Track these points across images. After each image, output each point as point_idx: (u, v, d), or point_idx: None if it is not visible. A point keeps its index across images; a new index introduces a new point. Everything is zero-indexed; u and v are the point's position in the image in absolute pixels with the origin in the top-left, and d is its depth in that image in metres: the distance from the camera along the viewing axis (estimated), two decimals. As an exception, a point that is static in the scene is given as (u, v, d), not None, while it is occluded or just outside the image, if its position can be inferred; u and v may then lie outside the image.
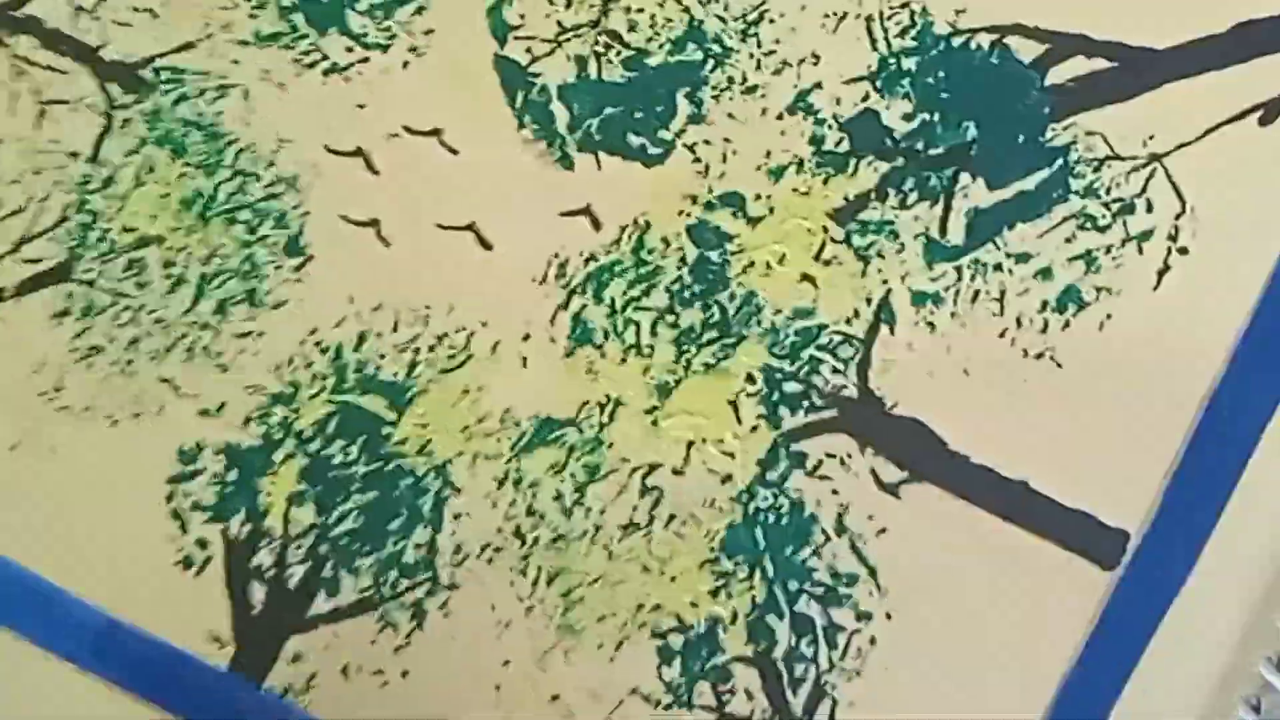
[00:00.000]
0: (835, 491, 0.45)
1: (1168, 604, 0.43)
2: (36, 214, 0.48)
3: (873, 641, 0.45)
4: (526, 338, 0.46)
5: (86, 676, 0.48)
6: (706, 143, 0.45)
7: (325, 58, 0.47)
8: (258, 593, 0.48)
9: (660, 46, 0.46)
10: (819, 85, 0.45)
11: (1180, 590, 0.43)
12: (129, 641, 0.48)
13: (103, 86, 0.48)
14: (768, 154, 0.45)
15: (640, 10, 0.45)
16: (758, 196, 0.45)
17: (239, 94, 0.47)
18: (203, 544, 0.47)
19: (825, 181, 0.45)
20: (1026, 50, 0.45)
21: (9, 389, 0.48)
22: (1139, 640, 0.43)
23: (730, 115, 0.45)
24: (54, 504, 0.48)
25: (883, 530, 0.45)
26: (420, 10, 0.46)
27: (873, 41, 0.45)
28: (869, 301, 0.45)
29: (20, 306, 0.49)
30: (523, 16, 0.46)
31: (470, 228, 0.47)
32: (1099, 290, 0.44)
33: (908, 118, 0.45)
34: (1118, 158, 0.45)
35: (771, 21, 0.45)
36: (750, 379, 0.46)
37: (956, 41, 0.45)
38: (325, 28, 0.47)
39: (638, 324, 0.46)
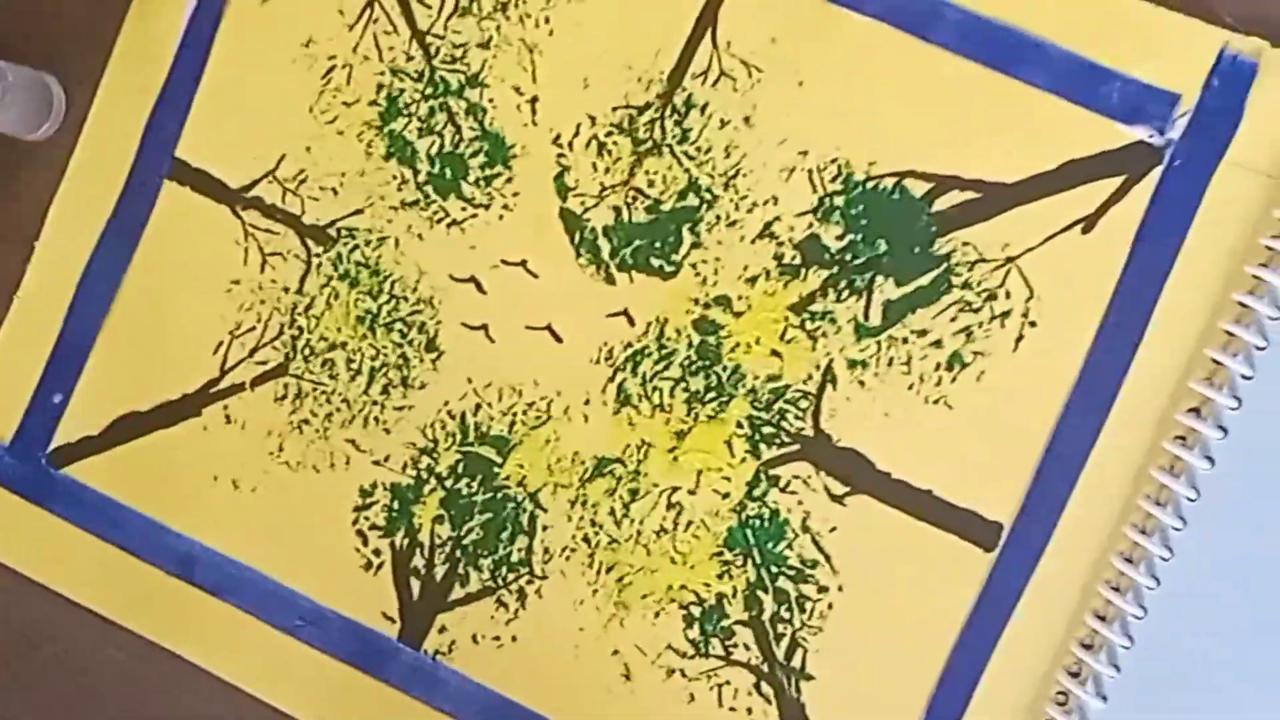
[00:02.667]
0: (800, 502, 0.59)
1: (1030, 574, 0.57)
2: (263, 331, 0.64)
3: (830, 607, 0.59)
4: (587, 402, 0.61)
5: (297, 641, 0.64)
6: (704, 262, 0.60)
7: (448, 215, 0.62)
8: (414, 585, 0.63)
9: (670, 197, 0.61)
10: (778, 218, 0.59)
11: (1039, 563, 0.57)
12: (330, 620, 0.63)
13: (303, 242, 0.64)
14: (745, 267, 0.60)
15: (655, 173, 0.61)
16: (739, 297, 0.60)
17: (392, 243, 0.63)
18: (377, 553, 0.63)
19: (785, 285, 0.59)
20: (918, 188, 0.58)
21: (250, 450, 0.64)
22: (1012, 599, 0.57)
23: (719, 242, 0.60)
24: (280, 528, 0.64)
25: (834, 528, 0.59)
26: (509, 180, 0.62)
27: (813, 186, 0.59)
28: (818, 368, 0.59)
29: (255, 394, 0.65)
30: (577, 181, 0.61)
31: (548, 328, 0.62)
32: (975, 354, 0.58)
33: (839, 238, 0.59)
34: (984, 260, 0.58)
35: (744, 176, 0.59)
36: (739, 425, 0.60)
37: (870, 184, 0.59)
38: (447, 195, 0.62)
39: (661, 389, 0.61)
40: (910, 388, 0.59)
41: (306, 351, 0.65)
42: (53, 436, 0.67)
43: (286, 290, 0.65)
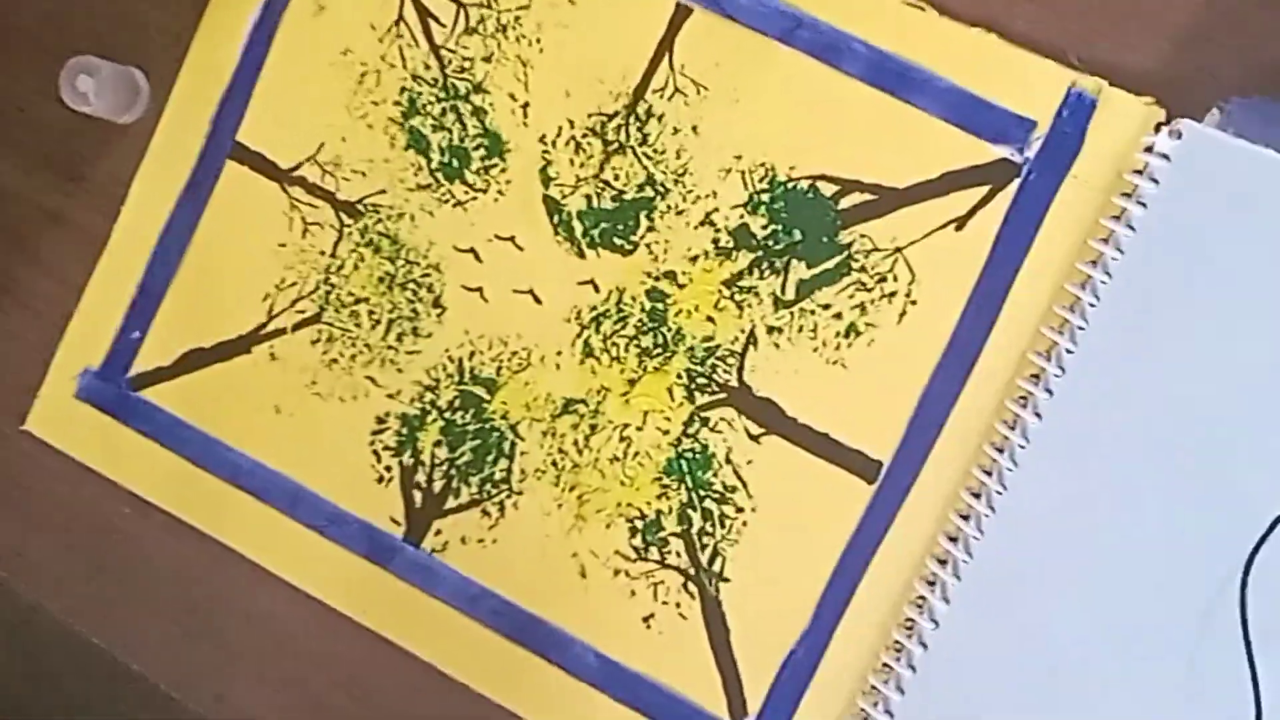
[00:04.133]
0: (725, 440, 0.70)
1: (902, 501, 0.67)
2: (302, 286, 0.74)
3: (745, 524, 0.70)
4: (559, 353, 0.72)
5: (322, 538, 0.74)
6: (656, 243, 0.70)
7: (454, 197, 0.73)
8: (417, 496, 0.73)
9: (631, 188, 0.71)
10: (716, 209, 0.70)
11: (909, 494, 0.68)
12: (348, 521, 0.74)
13: (337, 214, 0.74)
14: (689, 248, 0.70)
15: (620, 169, 0.71)
16: (683, 273, 0.70)
17: (408, 218, 0.73)
18: (388, 469, 0.74)
19: (720, 264, 0.70)
20: (828, 189, 0.68)
21: (290, 382, 0.74)
22: (887, 521, 0.68)
23: (669, 227, 0.70)
24: (311, 445, 0.74)
25: (750, 461, 0.69)
26: (504, 170, 0.72)
27: (745, 185, 0.69)
28: (743, 332, 0.70)
29: (295, 337, 0.75)
30: (557, 173, 0.72)
31: (530, 292, 0.72)
32: (867, 325, 0.68)
33: (764, 228, 0.69)
34: (877, 250, 0.67)
35: (690, 174, 0.70)
36: (679, 376, 0.70)
37: (790, 185, 0.69)
38: (453, 180, 0.73)
39: (618, 345, 0.71)
40: (815, 350, 0.70)
41: (337, 304, 0.75)
42: (132, 365, 0.77)
43: (322, 253, 0.75)
